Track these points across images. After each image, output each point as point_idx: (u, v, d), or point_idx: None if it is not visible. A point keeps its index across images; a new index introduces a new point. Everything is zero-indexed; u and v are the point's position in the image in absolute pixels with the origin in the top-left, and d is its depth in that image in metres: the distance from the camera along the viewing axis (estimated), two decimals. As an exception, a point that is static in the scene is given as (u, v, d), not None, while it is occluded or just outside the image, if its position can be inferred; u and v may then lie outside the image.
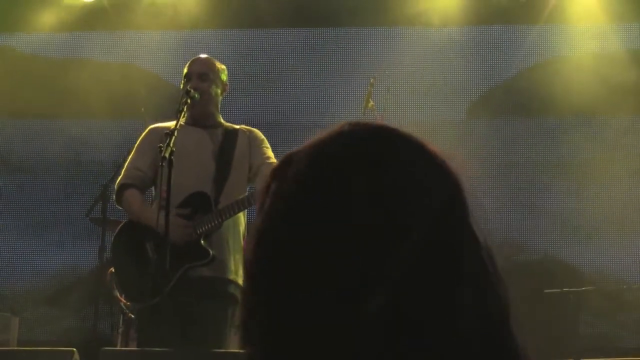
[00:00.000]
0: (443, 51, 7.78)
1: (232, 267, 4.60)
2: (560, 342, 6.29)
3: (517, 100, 7.87)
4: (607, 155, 7.49)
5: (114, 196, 4.78)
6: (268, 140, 4.86)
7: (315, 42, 8.09)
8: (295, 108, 7.95)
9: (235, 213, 4.54)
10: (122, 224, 4.75)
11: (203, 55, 4.88)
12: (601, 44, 7.76)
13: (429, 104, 7.77)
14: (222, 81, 4.81)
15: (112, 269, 4.73)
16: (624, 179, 7.50)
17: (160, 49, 7.86)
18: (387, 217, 0.95)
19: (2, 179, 8.09)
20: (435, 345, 0.91)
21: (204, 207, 4.55)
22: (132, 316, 4.58)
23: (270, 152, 4.77)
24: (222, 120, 4.86)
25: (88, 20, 8.02)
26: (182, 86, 4.71)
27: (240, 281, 4.63)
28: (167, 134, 4.28)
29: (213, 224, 4.51)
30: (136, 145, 4.82)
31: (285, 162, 1.04)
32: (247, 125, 4.95)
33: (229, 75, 4.91)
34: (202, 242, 4.51)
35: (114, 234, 4.75)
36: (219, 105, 4.85)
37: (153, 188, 4.74)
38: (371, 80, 6.11)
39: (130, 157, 4.82)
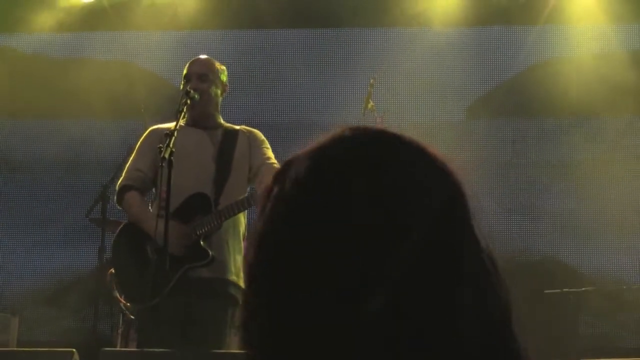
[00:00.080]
0: (443, 52, 7.78)
1: (232, 268, 4.59)
2: (560, 343, 6.29)
3: (516, 100, 7.87)
4: (607, 155, 7.49)
5: (115, 197, 4.79)
6: (268, 141, 4.86)
7: (315, 43, 8.09)
8: (295, 108, 7.95)
9: (235, 214, 4.53)
10: (122, 224, 4.75)
11: (203, 56, 4.88)
12: (600, 45, 7.76)
13: (428, 105, 7.77)
14: (222, 82, 4.81)
15: (112, 270, 4.73)
16: (623, 179, 7.50)
17: (160, 49, 7.86)
18: (387, 218, 0.95)
19: (2, 178, 8.09)
20: (435, 345, 0.91)
21: (203, 208, 4.55)
22: (132, 317, 4.57)
23: (270, 153, 4.77)
24: (222, 121, 4.85)
25: (88, 20, 8.03)
26: (181, 87, 4.71)
27: (241, 282, 4.62)
28: (166, 134, 4.28)
29: (213, 224, 4.51)
30: (137, 146, 4.82)
31: (287, 166, 1.04)
32: (247, 126, 4.95)
33: (229, 75, 4.90)
34: (201, 243, 4.51)
35: (115, 235, 4.75)
36: (219, 106, 4.85)
37: (154, 189, 4.74)
38: (371, 80, 6.12)
39: (131, 158, 4.82)
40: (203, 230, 4.51)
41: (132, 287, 4.51)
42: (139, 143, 4.83)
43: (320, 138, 1.05)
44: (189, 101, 4.53)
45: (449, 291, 0.93)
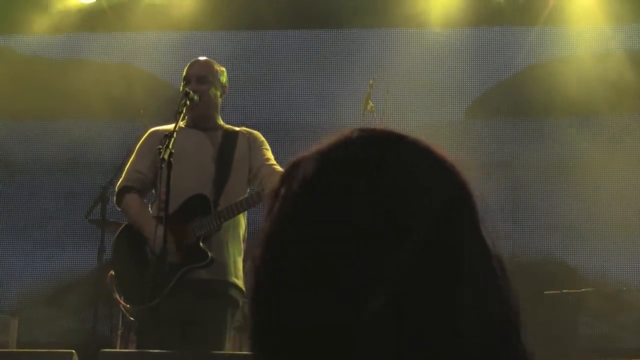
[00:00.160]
0: (442, 52, 7.78)
1: (232, 270, 4.59)
2: (560, 343, 6.29)
3: (515, 101, 7.88)
4: (607, 156, 7.49)
5: (115, 198, 4.78)
6: (268, 142, 4.86)
7: (315, 44, 8.10)
8: (295, 109, 7.95)
9: (235, 215, 4.53)
10: (122, 226, 4.75)
11: (202, 58, 4.88)
12: (600, 45, 7.76)
13: (427, 105, 7.77)
14: (221, 83, 4.80)
15: (112, 272, 4.73)
16: (623, 179, 7.51)
17: (159, 50, 7.86)
18: (387, 218, 0.95)
19: (1, 179, 8.09)
20: (435, 345, 0.91)
21: (203, 209, 4.55)
22: (132, 318, 4.57)
23: (270, 154, 4.76)
24: (222, 123, 4.85)
25: (87, 21, 8.02)
26: (181, 89, 4.70)
27: (240, 283, 4.63)
28: (166, 135, 4.28)
29: (212, 226, 4.50)
30: (136, 148, 4.82)
31: (294, 166, 1.04)
32: (247, 126, 4.95)
33: (228, 76, 4.90)
34: (201, 244, 4.51)
35: (114, 236, 4.75)
36: (219, 108, 4.85)
37: (153, 190, 4.74)
38: (370, 81, 6.12)
39: (130, 159, 4.82)
40: (202, 231, 4.51)
41: (131, 288, 4.51)
42: (138, 144, 4.83)
43: (328, 138, 1.05)
44: (188, 102, 4.53)
45: (448, 291, 0.93)
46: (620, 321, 7.24)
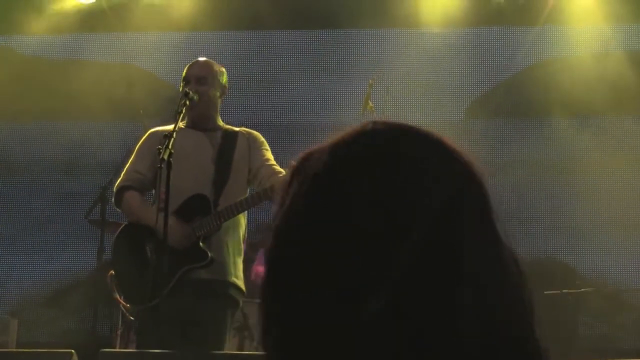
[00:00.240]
0: (442, 52, 7.78)
1: (232, 270, 4.59)
2: (560, 343, 6.29)
3: (515, 100, 7.88)
4: (607, 156, 7.49)
5: (113, 199, 4.78)
6: (267, 142, 4.86)
7: (315, 44, 8.10)
8: (295, 109, 7.95)
9: (235, 215, 4.53)
10: (122, 226, 4.75)
11: (202, 59, 4.87)
12: (599, 45, 7.76)
13: (427, 105, 7.77)
14: (221, 84, 4.80)
15: (112, 271, 4.73)
16: (623, 179, 7.51)
17: (159, 50, 7.86)
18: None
19: (1, 180, 8.09)
20: (435, 345, 0.91)
21: (203, 209, 4.55)
22: (132, 318, 4.57)
23: (269, 154, 4.76)
24: (221, 123, 4.85)
25: (87, 22, 8.02)
26: (180, 90, 4.70)
27: (240, 283, 4.63)
28: (165, 135, 4.28)
29: (212, 226, 4.51)
30: (136, 148, 4.82)
31: (305, 160, 1.03)
32: (247, 127, 4.95)
33: (228, 76, 4.90)
34: (200, 244, 4.51)
35: (114, 236, 4.75)
36: (219, 108, 4.85)
37: (153, 190, 4.74)
38: (370, 81, 6.12)
39: (130, 160, 4.82)
40: (202, 231, 4.51)
41: (131, 288, 4.51)
42: (138, 145, 4.82)
43: (343, 130, 1.05)
44: (187, 102, 4.53)
45: (448, 291, 0.93)
46: (619, 321, 7.24)
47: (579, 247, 7.46)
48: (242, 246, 4.76)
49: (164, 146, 4.16)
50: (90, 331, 5.94)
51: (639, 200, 7.41)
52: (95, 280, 6.08)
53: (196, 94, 4.60)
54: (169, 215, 4.17)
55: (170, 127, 4.39)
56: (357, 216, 0.95)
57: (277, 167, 4.65)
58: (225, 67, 4.91)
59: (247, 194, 4.66)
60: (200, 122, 4.76)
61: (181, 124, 4.59)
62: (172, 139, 4.21)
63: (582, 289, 6.50)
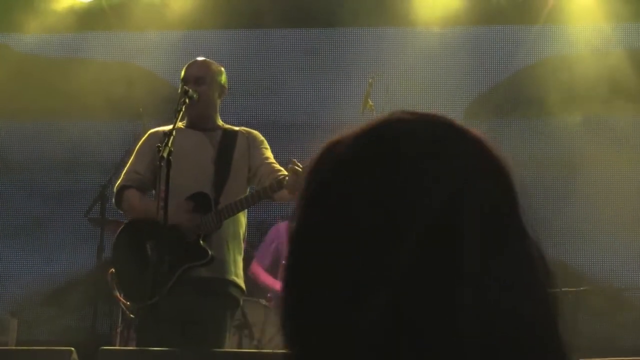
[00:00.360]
0: (442, 51, 7.78)
1: (232, 268, 4.60)
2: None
3: (515, 100, 7.87)
4: (607, 154, 7.49)
5: (113, 199, 4.78)
6: (267, 141, 4.87)
7: (314, 42, 8.09)
8: (294, 108, 7.95)
9: (235, 213, 4.54)
10: (123, 225, 4.75)
11: (200, 58, 4.87)
12: (599, 44, 7.76)
13: (427, 104, 7.76)
14: (219, 83, 4.80)
15: (112, 270, 4.74)
16: (622, 178, 7.51)
17: (158, 48, 7.85)
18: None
19: (0, 179, 8.08)
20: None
21: (203, 207, 4.56)
22: (132, 316, 4.58)
23: (269, 153, 4.77)
24: (221, 123, 4.85)
25: (86, 20, 8.02)
26: (179, 90, 4.70)
27: (240, 282, 4.63)
28: (165, 134, 4.28)
29: (212, 224, 4.51)
30: (136, 149, 4.83)
31: (328, 150, 1.02)
32: (246, 125, 4.95)
33: (227, 75, 4.90)
34: (201, 242, 4.51)
35: (115, 235, 4.75)
36: (218, 108, 4.85)
37: (153, 191, 4.74)
38: (370, 80, 6.12)
39: (130, 160, 4.83)
40: (203, 229, 4.52)
41: (131, 286, 4.52)
42: (138, 145, 4.83)
43: (375, 119, 1.04)
44: (187, 100, 4.53)
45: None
46: (619, 320, 7.24)
47: (579, 246, 7.46)
48: (243, 244, 4.77)
49: (164, 144, 4.17)
50: (90, 329, 5.95)
51: (639, 199, 7.41)
52: (95, 279, 6.09)
53: (195, 93, 4.60)
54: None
55: (170, 126, 4.40)
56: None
57: (277, 166, 4.66)
58: (224, 66, 4.91)
59: (247, 193, 4.66)
60: (200, 122, 4.76)
61: (181, 124, 4.60)
62: (172, 137, 4.22)
63: (582, 287, 6.50)
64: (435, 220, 0.94)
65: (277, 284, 6.35)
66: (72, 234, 7.72)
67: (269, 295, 6.25)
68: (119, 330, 5.87)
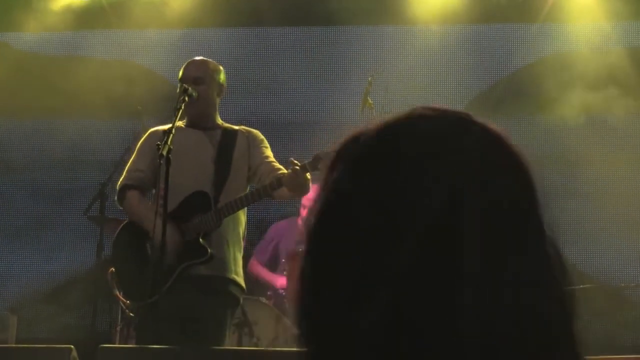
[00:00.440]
0: (441, 50, 7.78)
1: (232, 266, 4.60)
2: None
3: (515, 98, 7.87)
4: (608, 153, 7.49)
5: (116, 197, 4.79)
6: (267, 139, 4.87)
7: (314, 41, 8.08)
8: (294, 106, 7.95)
9: (235, 211, 4.54)
10: (123, 223, 4.76)
11: (198, 58, 4.87)
12: (599, 42, 7.75)
13: (427, 102, 7.71)
14: (218, 82, 4.80)
15: (112, 269, 4.74)
16: (623, 176, 7.50)
17: (158, 47, 7.85)
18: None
19: (0, 177, 8.08)
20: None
21: (203, 206, 4.56)
22: (132, 315, 4.58)
23: (269, 152, 4.77)
24: (220, 122, 4.85)
25: (86, 18, 8.01)
26: (178, 90, 4.70)
27: (240, 280, 4.63)
28: (164, 132, 4.29)
29: (212, 222, 4.51)
30: (137, 147, 4.84)
31: (353, 142, 1.02)
32: (245, 124, 4.96)
33: (227, 73, 4.90)
34: (201, 240, 4.51)
35: (115, 234, 4.76)
36: (217, 107, 4.84)
37: (154, 190, 4.75)
38: (369, 78, 6.12)
39: (131, 159, 4.84)
40: (203, 228, 4.52)
41: (131, 284, 4.52)
42: (139, 144, 4.84)
43: (401, 113, 1.03)
44: (187, 98, 4.53)
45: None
46: (620, 318, 7.24)
47: (579, 244, 7.45)
48: (242, 243, 4.77)
49: (163, 142, 4.17)
50: (89, 327, 5.95)
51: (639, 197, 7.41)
52: (95, 277, 6.08)
53: (195, 91, 4.60)
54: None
55: (170, 125, 4.40)
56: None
57: (277, 165, 4.66)
58: (223, 64, 4.92)
59: (247, 191, 4.67)
60: (199, 121, 4.77)
61: (181, 123, 4.61)
62: (172, 135, 4.22)
63: (583, 285, 6.49)
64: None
65: (275, 279, 6.38)
66: (72, 231, 7.71)
67: (269, 293, 6.26)
68: (118, 328, 5.87)
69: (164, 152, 4.15)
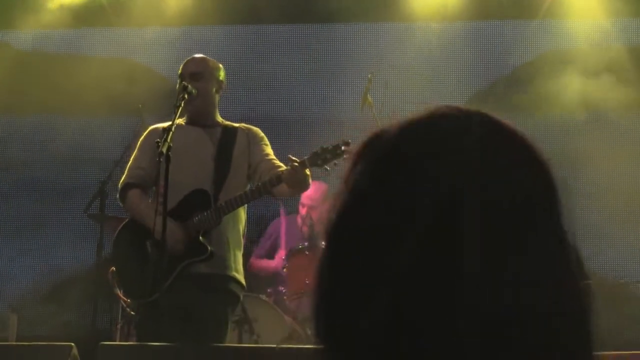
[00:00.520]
0: (441, 46, 7.77)
1: (232, 264, 4.60)
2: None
3: (515, 95, 7.87)
4: (611, 149, 7.49)
5: (118, 195, 4.79)
6: (266, 137, 4.87)
7: (313, 38, 8.08)
8: (293, 104, 7.94)
9: (234, 208, 4.54)
10: (123, 222, 4.76)
11: (197, 55, 4.87)
12: (599, 39, 7.75)
13: (427, 100, 7.75)
14: (217, 79, 4.80)
15: (113, 267, 4.75)
16: (625, 172, 7.51)
17: (158, 44, 7.85)
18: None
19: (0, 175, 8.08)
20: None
21: (203, 204, 4.56)
22: (132, 313, 4.58)
23: (269, 149, 4.77)
24: (220, 119, 4.85)
25: (85, 17, 8.01)
26: (177, 87, 4.70)
27: (240, 278, 4.64)
28: (164, 129, 4.29)
29: (212, 220, 4.51)
30: (138, 145, 4.84)
31: (375, 140, 1.02)
32: (244, 121, 4.96)
33: (226, 71, 4.90)
34: (201, 238, 4.51)
35: (116, 232, 4.76)
36: (217, 104, 4.84)
37: (154, 187, 4.75)
38: (369, 76, 6.12)
39: (132, 157, 4.84)
40: (202, 226, 4.52)
41: (132, 283, 4.53)
42: (139, 142, 4.84)
43: (424, 110, 1.03)
44: (186, 96, 4.53)
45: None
46: (619, 314, 7.24)
47: (583, 240, 7.44)
48: (242, 240, 4.77)
49: (163, 140, 4.17)
50: (90, 325, 5.95)
51: (640, 194, 7.42)
52: (95, 275, 6.09)
53: (194, 89, 4.61)
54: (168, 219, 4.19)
55: (170, 122, 4.40)
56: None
57: (277, 162, 4.66)
58: (222, 62, 4.91)
59: (247, 189, 4.66)
60: (199, 118, 4.76)
61: (180, 121, 4.60)
62: (171, 133, 4.22)
63: (587, 281, 6.50)
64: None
65: (270, 262, 6.44)
66: (72, 230, 7.72)
67: (268, 290, 6.26)
68: (119, 326, 5.88)
69: (164, 150, 4.15)
